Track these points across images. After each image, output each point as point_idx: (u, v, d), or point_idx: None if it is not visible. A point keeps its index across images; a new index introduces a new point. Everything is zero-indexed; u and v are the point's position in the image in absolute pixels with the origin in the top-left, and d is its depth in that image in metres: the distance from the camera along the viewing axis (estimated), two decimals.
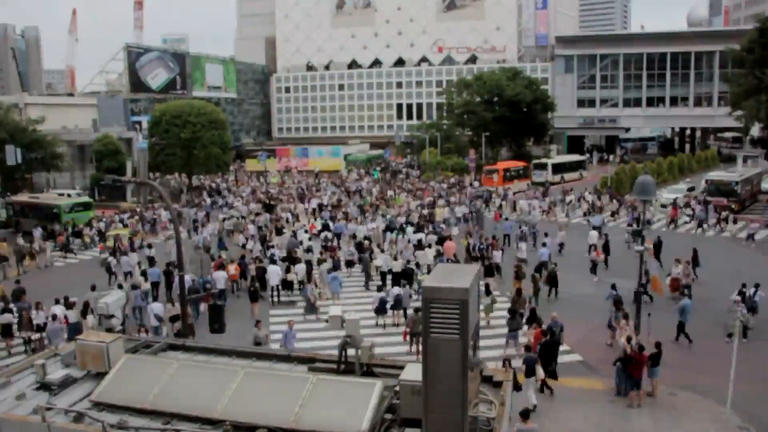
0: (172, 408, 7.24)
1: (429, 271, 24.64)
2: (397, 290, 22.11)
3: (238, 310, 22.97)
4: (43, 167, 49.31)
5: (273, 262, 26.33)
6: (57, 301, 20.25)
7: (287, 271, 25.79)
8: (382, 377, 7.73)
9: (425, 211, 39.47)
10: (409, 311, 20.87)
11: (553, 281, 24.19)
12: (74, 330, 18.07)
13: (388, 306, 21.78)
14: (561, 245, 30.98)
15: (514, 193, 49.68)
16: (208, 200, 49.73)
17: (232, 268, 25.57)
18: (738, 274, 23.21)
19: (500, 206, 45.09)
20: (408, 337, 19.42)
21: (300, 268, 25.61)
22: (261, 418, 6.86)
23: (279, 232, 34.48)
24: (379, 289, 22.78)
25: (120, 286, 23.71)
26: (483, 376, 7.83)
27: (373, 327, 21.16)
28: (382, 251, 29.38)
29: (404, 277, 24.41)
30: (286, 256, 27.86)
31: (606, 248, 28.54)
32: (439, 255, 27.19)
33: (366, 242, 30.11)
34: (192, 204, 47.66)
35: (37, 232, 35.91)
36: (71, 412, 7.27)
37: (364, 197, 48.12)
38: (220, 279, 24.01)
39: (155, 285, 24.67)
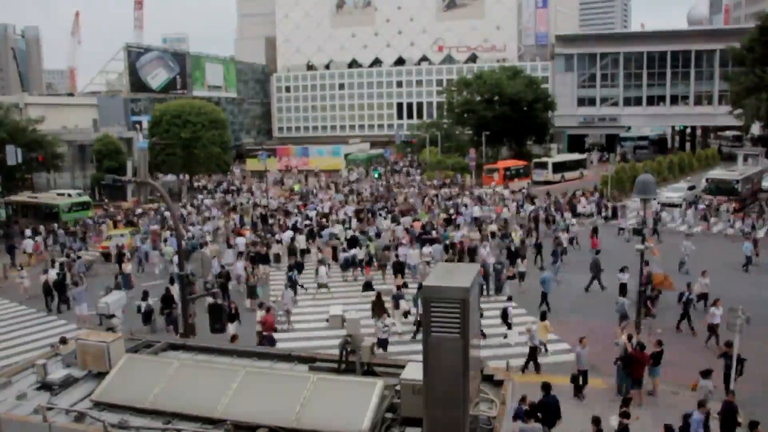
0: (173, 408, 7.23)
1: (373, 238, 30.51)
2: (352, 252, 28.40)
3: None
4: (43, 167, 49.27)
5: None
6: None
7: (291, 240, 31.00)
8: (383, 376, 7.72)
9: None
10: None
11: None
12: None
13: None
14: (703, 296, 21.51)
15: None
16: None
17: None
18: (738, 274, 23.17)
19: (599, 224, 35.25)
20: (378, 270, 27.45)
21: (301, 239, 31.33)
22: (262, 417, 6.86)
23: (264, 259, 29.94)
24: (344, 250, 28.88)
25: None
26: (484, 374, 7.82)
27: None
28: (337, 223, 35.62)
29: (353, 241, 30.24)
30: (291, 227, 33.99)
31: None
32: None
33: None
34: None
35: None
36: (72, 411, 7.26)
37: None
38: (240, 244, 30.33)
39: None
